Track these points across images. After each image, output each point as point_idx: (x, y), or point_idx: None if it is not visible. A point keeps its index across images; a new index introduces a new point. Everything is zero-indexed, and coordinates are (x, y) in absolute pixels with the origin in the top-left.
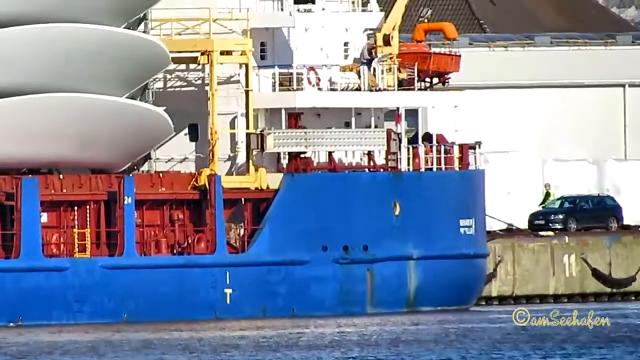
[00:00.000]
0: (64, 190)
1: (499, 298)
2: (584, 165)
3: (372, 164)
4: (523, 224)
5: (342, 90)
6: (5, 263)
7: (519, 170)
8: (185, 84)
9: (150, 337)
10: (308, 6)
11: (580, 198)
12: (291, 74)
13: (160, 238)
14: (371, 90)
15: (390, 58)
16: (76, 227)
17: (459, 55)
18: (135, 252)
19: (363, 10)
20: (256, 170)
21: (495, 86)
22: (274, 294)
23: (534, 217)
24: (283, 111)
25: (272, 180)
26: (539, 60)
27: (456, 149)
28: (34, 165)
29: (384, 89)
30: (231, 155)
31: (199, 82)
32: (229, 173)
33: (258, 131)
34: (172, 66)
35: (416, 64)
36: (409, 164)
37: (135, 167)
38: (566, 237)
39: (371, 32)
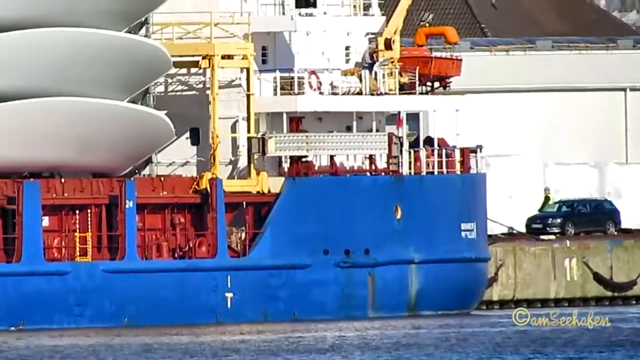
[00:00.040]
0: (66, 194)
1: (500, 302)
2: (585, 169)
3: (373, 167)
4: (524, 228)
5: (344, 94)
6: (7, 267)
7: (520, 174)
8: (186, 87)
9: (151, 341)
10: (309, 10)
11: (578, 202)
12: (292, 78)
13: (162, 242)
14: (372, 94)
15: (392, 62)
16: (77, 231)
17: (460, 60)
18: (137, 256)
19: (364, 15)
20: (257, 174)
21: (497, 90)
22: (275, 298)
23: (531, 221)
24: (284, 115)
25: (273, 184)
26: (540, 64)
27: (457, 153)
28: (35, 169)
29: (386, 93)
30: (232, 159)
31: (200, 86)
32: (231, 177)
33: (259, 135)
34: (173, 70)
35: (417, 68)
36: (410, 168)
37: (137, 171)
38: (567, 241)
39: (373, 36)
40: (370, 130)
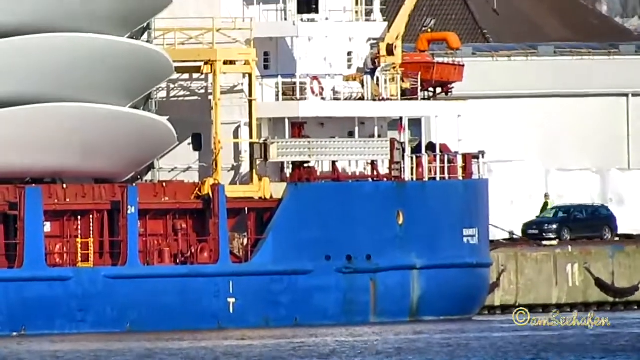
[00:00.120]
0: (68, 200)
1: (502, 307)
2: (588, 175)
3: (375, 173)
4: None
5: (346, 99)
6: (9, 272)
7: (522, 180)
8: (188, 93)
9: (153, 346)
10: (311, 16)
11: (574, 208)
12: (294, 83)
13: (164, 247)
14: (374, 100)
15: (394, 68)
16: (79, 236)
17: (463, 65)
18: (139, 262)
19: (366, 20)
20: (260, 179)
21: (499, 96)
22: (277, 304)
23: (527, 226)
24: (286, 121)
25: (275, 189)
26: (542, 69)
27: (460, 159)
28: (37, 174)
29: (388, 99)
30: (235, 164)
31: (203, 91)
32: (233, 182)
33: (261, 141)
34: (175, 76)
35: (419, 73)
36: (412, 174)
37: (139, 177)
38: (569, 247)
39: (374, 41)
40: (373, 136)
